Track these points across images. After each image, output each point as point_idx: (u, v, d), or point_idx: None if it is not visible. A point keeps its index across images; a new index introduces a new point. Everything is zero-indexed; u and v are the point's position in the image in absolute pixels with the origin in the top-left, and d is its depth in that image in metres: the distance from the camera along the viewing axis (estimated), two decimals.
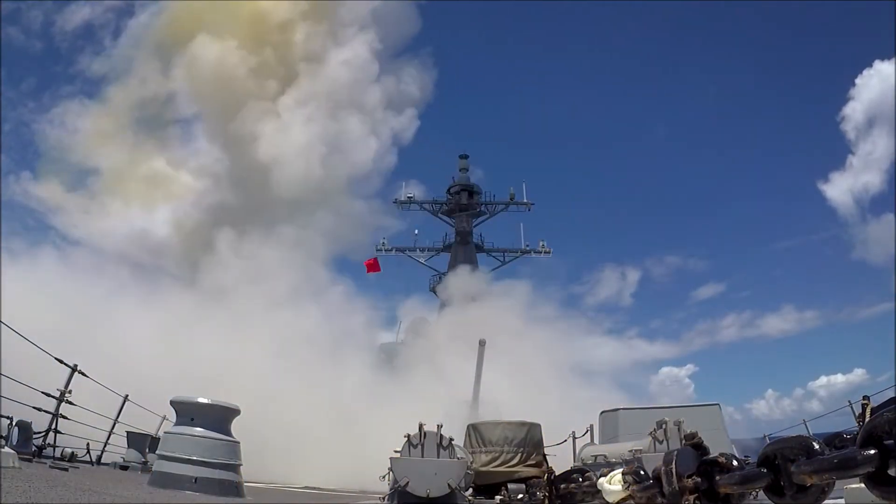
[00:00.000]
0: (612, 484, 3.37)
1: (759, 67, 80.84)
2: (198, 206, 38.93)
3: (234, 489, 7.22)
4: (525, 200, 45.61)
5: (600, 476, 3.80)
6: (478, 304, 33.86)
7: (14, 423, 8.82)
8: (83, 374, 9.79)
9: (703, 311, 78.38)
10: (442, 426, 7.54)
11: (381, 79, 43.33)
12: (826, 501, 1.71)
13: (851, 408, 10.93)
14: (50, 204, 45.84)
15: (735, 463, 2.16)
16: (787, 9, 73.69)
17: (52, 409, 9.33)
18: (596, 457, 9.40)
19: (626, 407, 13.32)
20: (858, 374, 57.74)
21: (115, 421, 11.46)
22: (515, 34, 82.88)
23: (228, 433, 7.46)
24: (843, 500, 3.63)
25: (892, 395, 1.92)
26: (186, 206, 39.49)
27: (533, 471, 8.94)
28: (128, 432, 11.55)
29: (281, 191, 34.27)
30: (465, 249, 44.02)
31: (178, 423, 7.39)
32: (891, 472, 1.41)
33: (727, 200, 77.83)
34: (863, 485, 1.47)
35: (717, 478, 2.16)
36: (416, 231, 45.98)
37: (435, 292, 43.67)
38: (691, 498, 2.23)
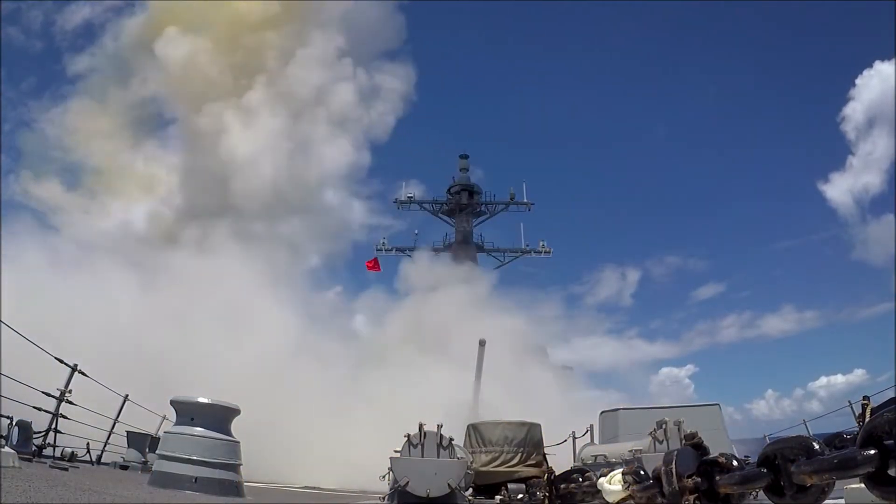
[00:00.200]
0: (612, 484, 3.37)
1: (759, 67, 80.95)
2: (168, 204, 38.68)
3: (235, 489, 7.22)
4: (525, 200, 45.66)
5: (600, 476, 3.80)
6: (439, 292, 33.52)
7: (14, 423, 8.82)
8: (83, 373, 9.79)
9: (703, 312, 78.47)
10: (442, 426, 7.54)
11: (359, 79, 42.99)
12: (826, 501, 1.71)
13: (851, 408, 10.93)
14: (38, 198, 45.60)
15: (735, 463, 2.16)
16: (787, 9, 73.79)
17: (52, 409, 9.33)
18: (596, 457, 9.41)
19: (626, 407, 13.33)
20: (858, 374, 57.83)
21: (115, 421, 11.46)
22: (516, 34, 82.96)
23: (228, 433, 7.47)
24: (843, 501, 3.63)
25: (893, 396, 1.92)
26: (159, 203, 39.26)
27: (533, 471, 8.94)
28: (128, 432, 11.55)
29: (247, 189, 33.84)
30: (465, 249, 44.04)
31: (178, 423, 7.39)
32: (891, 472, 1.40)
33: (727, 200, 77.93)
34: (863, 485, 1.47)
35: (717, 478, 2.16)
36: (416, 232, 46.05)
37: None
38: (691, 498, 2.23)
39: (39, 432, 9.35)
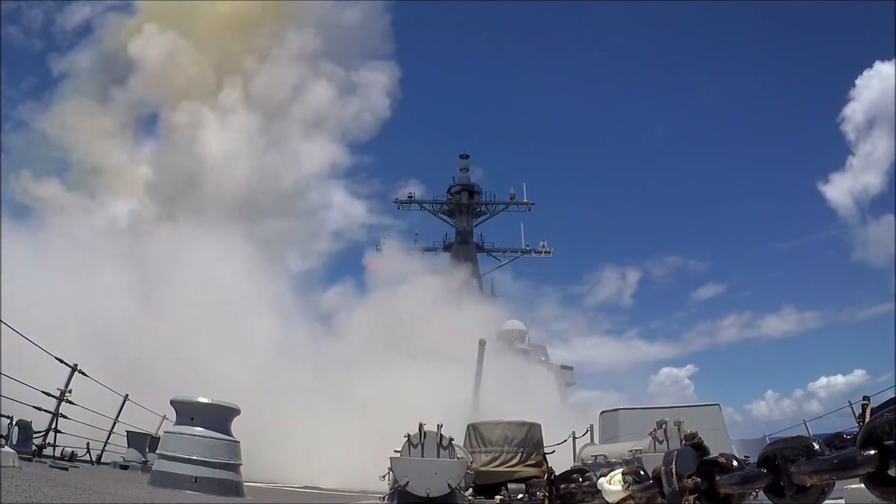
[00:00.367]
0: (612, 484, 3.37)
1: (759, 68, 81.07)
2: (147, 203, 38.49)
3: (235, 489, 7.22)
4: (525, 200, 45.73)
5: (600, 476, 3.80)
6: (406, 285, 33.38)
7: (14, 423, 8.82)
8: (83, 373, 9.80)
9: (703, 312, 78.70)
10: (442, 426, 7.54)
11: (338, 78, 42.68)
12: (826, 502, 1.71)
13: (851, 408, 10.93)
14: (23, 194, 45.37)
15: (735, 463, 2.16)
16: (787, 9, 73.82)
17: (52, 409, 9.33)
18: (596, 457, 9.41)
19: (626, 407, 13.33)
20: (858, 374, 57.90)
21: (116, 420, 11.46)
22: (516, 34, 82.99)
23: (228, 433, 7.47)
24: (843, 501, 3.63)
25: (893, 396, 1.92)
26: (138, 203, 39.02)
27: (533, 471, 8.93)
28: (128, 432, 11.55)
29: (221, 189, 33.57)
30: (465, 249, 44.06)
31: (178, 423, 7.40)
32: (891, 472, 1.40)
33: (727, 201, 78.07)
34: (863, 485, 1.47)
35: (717, 478, 2.16)
36: (416, 233, 46.07)
37: None
38: (691, 498, 2.23)
39: (39, 432, 9.35)
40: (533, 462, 9.29)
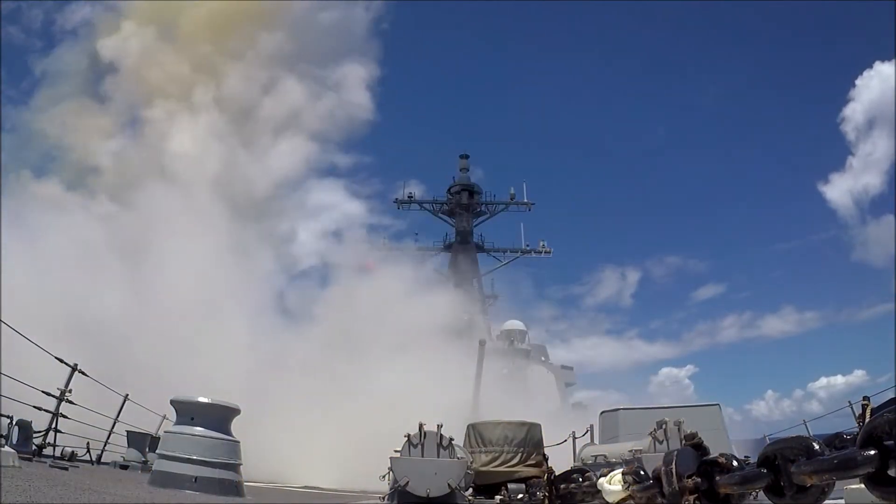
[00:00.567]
0: (612, 484, 3.37)
1: (759, 68, 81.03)
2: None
3: (235, 489, 7.22)
4: (525, 200, 45.74)
5: (600, 476, 3.80)
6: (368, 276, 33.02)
7: (14, 423, 8.83)
8: (83, 373, 9.80)
9: (703, 312, 78.71)
10: (442, 426, 7.54)
11: (315, 78, 42.37)
12: (826, 502, 1.71)
13: (851, 408, 10.92)
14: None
15: (735, 463, 2.16)
16: (787, 9, 73.80)
17: (53, 409, 9.34)
18: (596, 457, 9.40)
19: (626, 407, 13.32)
20: (858, 375, 57.93)
21: (116, 420, 11.47)
22: (516, 34, 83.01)
23: (229, 433, 7.47)
24: (843, 501, 3.63)
25: (893, 396, 1.92)
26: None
27: (533, 471, 8.93)
28: (128, 431, 11.55)
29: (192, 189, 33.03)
30: (465, 249, 44.07)
31: (178, 423, 7.40)
32: (891, 472, 1.41)
33: (727, 201, 78.11)
34: (863, 485, 1.47)
35: (717, 478, 2.16)
36: (417, 233, 46.09)
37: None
38: (691, 498, 2.23)
39: (39, 432, 9.35)
40: (533, 462, 9.29)
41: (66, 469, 7.02)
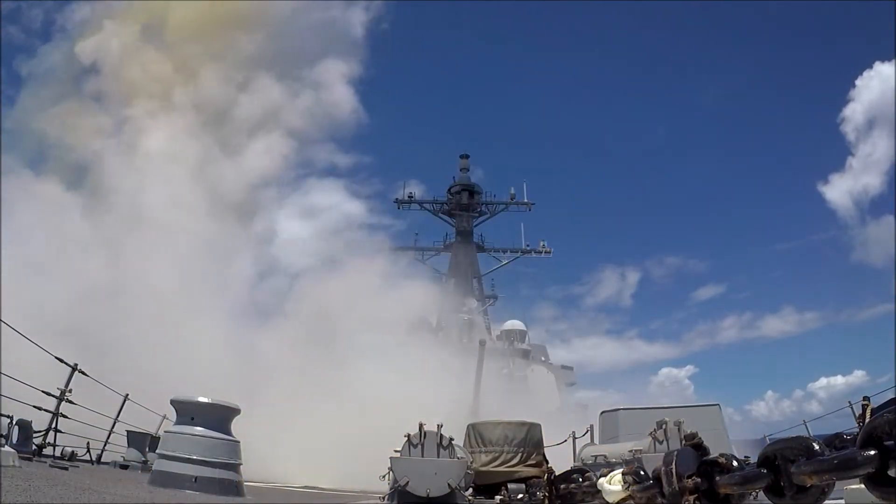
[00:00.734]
0: (612, 484, 3.37)
1: (759, 68, 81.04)
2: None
3: (235, 488, 7.22)
4: (525, 200, 45.75)
5: (600, 476, 3.80)
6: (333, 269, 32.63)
7: (14, 422, 8.83)
8: (83, 373, 9.80)
9: (703, 312, 78.73)
10: (442, 426, 7.54)
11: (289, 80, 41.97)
12: (826, 502, 1.71)
13: (852, 408, 10.92)
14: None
15: (735, 463, 2.16)
16: (787, 9, 73.80)
17: (53, 408, 9.34)
18: (596, 457, 9.40)
19: (626, 407, 13.32)
20: (858, 375, 57.95)
21: (116, 420, 11.47)
22: (516, 34, 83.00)
23: (229, 432, 7.47)
24: (843, 501, 3.63)
25: (893, 396, 1.92)
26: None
27: (533, 471, 8.93)
28: (128, 431, 11.55)
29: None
30: (465, 249, 44.07)
31: (178, 423, 7.40)
32: (891, 472, 1.41)
33: (727, 201, 78.17)
34: (863, 485, 1.47)
35: (717, 478, 2.16)
36: (417, 233, 46.09)
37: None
38: (691, 498, 2.23)
39: (39, 431, 9.36)
40: (533, 462, 9.29)
41: (66, 469, 7.03)
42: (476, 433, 9.91)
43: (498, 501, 8.58)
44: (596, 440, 12.53)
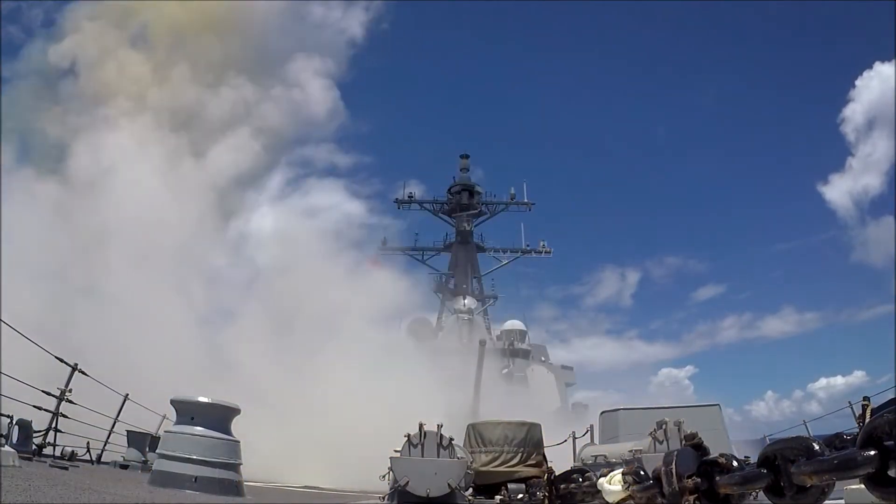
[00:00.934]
0: (612, 484, 3.37)
1: (759, 68, 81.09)
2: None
3: (235, 488, 7.22)
4: (525, 200, 45.73)
5: (600, 476, 3.80)
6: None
7: (14, 422, 8.83)
8: (83, 372, 9.80)
9: (703, 313, 78.71)
10: (442, 426, 7.54)
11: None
12: (826, 502, 1.71)
13: (852, 409, 10.93)
14: None
15: (735, 463, 2.16)
16: (787, 9, 73.81)
17: (53, 408, 9.34)
18: (596, 457, 9.41)
19: (626, 407, 13.33)
20: (858, 375, 57.96)
21: (116, 420, 11.47)
22: (516, 34, 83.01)
23: (229, 432, 7.47)
24: (843, 501, 3.63)
25: (893, 397, 1.92)
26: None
27: (533, 471, 8.93)
28: (128, 431, 11.55)
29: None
30: (465, 249, 44.07)
31: (178, 423, 7.40)
32: (891, 473, 1.41)
33: (727, 201, 78.18)
34: (863, 486, 1.47)
35: (717, 478, 2.17)
36: (417, 233, 46.07)
37: (435, 292, 43.74)
38: (691, 498, 2.23)
39: (39, 431, 9.36)
40: (533, 462, 9.29)
41: (66, 469, 7.03)
42: (476, 433, 9.91)
43: (498, 501, 8.58)
44: (596, 440, 12.54)
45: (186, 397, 7.44)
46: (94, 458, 10.92)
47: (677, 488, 2.30)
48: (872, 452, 1.41)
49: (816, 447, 1.64)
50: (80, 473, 6.88)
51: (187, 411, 7.36)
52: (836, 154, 76.98)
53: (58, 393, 9.32)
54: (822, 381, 63.18)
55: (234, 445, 7.46)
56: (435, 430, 7.47)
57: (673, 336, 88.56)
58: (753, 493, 2.38)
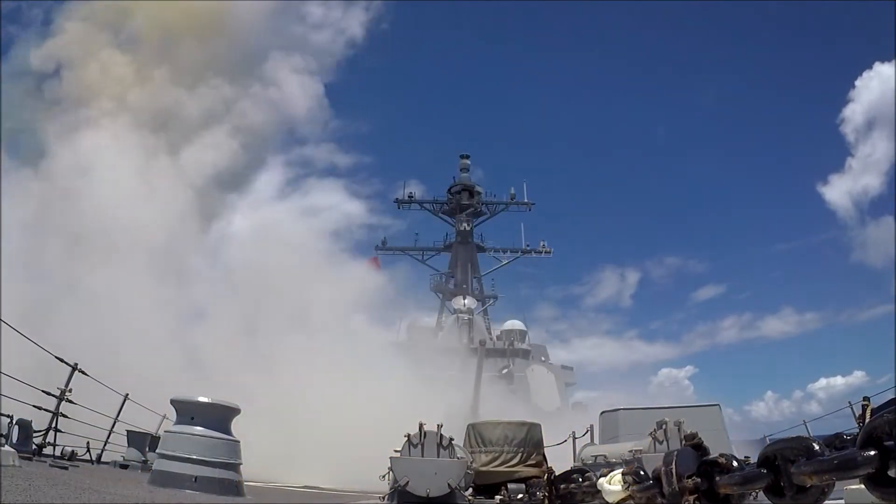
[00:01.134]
0: (612, 484, 3.37)
1: (759, 68, 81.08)
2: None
3: (235, 488, 7.22)
4: (525, 200, 45.73)
5: (600, 476, 3.80)
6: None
7: (14, 422, 8.83)
8: (83, 372, 9.80)
9: (703, 313, 78.64)
10: (442, 426, 7.54)
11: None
12: (826, 502, 1.71)
13: (852, 409, 10.93)
14: None
15: (735, 463, 2.16)
16: (787, 9, 73.80)
17: (53, 408, 9.34)
18: (596, 457, 9.41)
19: (626, 407, 13.32)
20: (858, 376, 57.94)
21: (116, 420, 11.47)
22: (516, 34, 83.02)
23: (228, 432, 7.47)
24: (842, 501, 3.63)
25: (893, 397, 1.92)
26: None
27: (533, 471, 8.93)
28: (128, 431, 11.55)
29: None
30: (465, 249, 44.07)
31: (178, 422, 7.40)
32: (891, 473, 1.41)
33: (727, 202, 78.15)
34: (863, 486, 1.47)
35: (717, 478, 2.17)
36: (417, 233, 46.09)
37: (435, 292, 43.75)
38: (691, 498, 2.23)
39: (39, 431, 9.36)
40: (533, 462, 9.29)
41: (66, 468, 7.03)
42: (476, 433, 9.91)
43: (498, 501, 8.58)
44: (596, 440, 12.54)
45: (186, 397, 7.44)
46: (94, 458, 10.92)
47: (677, 488, 2.30)
48: (872, 452, 1.41)
49: (816, 447, 1.64)
50: (80, 473, 6.88)
51: (187, 411, 7.36)
52: (836, 154, 76.92)
53: (58, 393, 9.32)
54: (822, 382, 63.17)
55: (234, 445, 7.46)
56: (435, 430, 7.47)
57: (673, 336, 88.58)
58: (753, 493, 2.38)
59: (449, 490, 7.13)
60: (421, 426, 7.42)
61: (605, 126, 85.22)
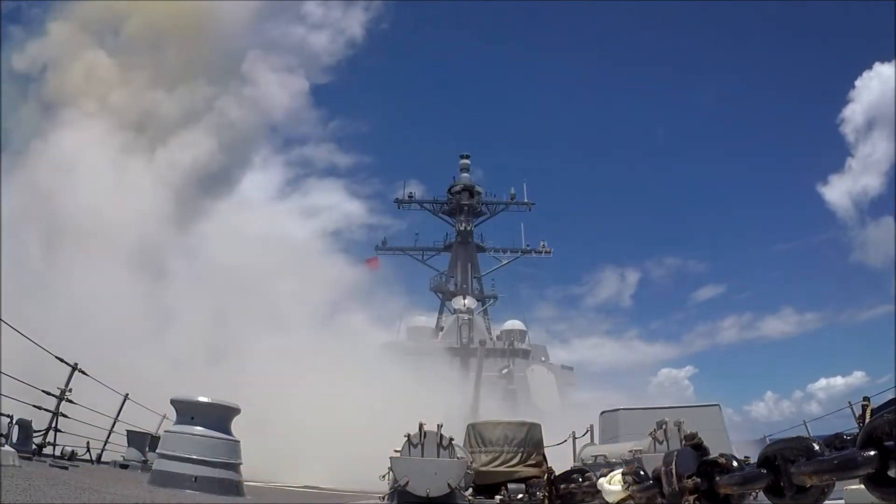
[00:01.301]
0: (612, 484, 3.37)
1: (759, 68, 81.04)
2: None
3: (235, 488, 7.23)
4: (525, 200, 45.70)
5: (600, 476, 3.80)
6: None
7: (14, 422, 8.83)
8: (83, 372, 9.80)
9: (703, 313, 78.52)
10: (442, 426, 7.54)
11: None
12: (826, 502, 1.71)
13: (852, 409, 10.93)
14: None
15: (735, 463, 2.16)
16: (787, 9, 73.79)
17: (53, 408, 9.34)
18: (596, 457, 9.41)
19: (626, 407, 13.32)
20: (858, 376, 57.87)
21: (116, 419, 11.47)
22: (516, 34, 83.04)
23: (228, 432, 7.47)
24: (842, 501, 3.63)
25: (893, 397, 1.92)
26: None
27: (533, 471, 8.93)
28: (128, 431, 11.55)
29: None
30: (465, 249, 44.06)
31: (178, 422, 7.40)
32: (891, 473, 1.41)
33: (727, 202, 78.08)
34: (863, 486, 1.47)
35: (717, 478, 2.17)
36: (417, 233, 46.09)
37: (435, 292, 43.76)
38: (691, 498, 2.23)
39: (39, 431, 9.36)
40: (533, 462, 9.29)
41: (66, 468, 7.03)
42: (476, 433, 9.91)
43: (498, 501, 8.58)
44: (596, 440, 12.53)
45: (186, 397, 7.44)
46: (94, 458, 10.92)
47: (677, 488, 2.30)
48: (872, 453, 1.41)
49: (816, 447, 1.64)
50: (80, 473, 6.88)
51: (187, 411, 7.36)
52: (836, 154, 76.72)
53: (58, 393, 9.32)
54: (822, 382, 63.04)
55: (234, 445, 7.46)
56: (435, 430, 7.47)
57: (673, 336, 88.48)
58: (753, 494, 2.38)
59: (449, 490, 7.13)
60: (421, 426, 7.42)
61: (605, 126, 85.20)
